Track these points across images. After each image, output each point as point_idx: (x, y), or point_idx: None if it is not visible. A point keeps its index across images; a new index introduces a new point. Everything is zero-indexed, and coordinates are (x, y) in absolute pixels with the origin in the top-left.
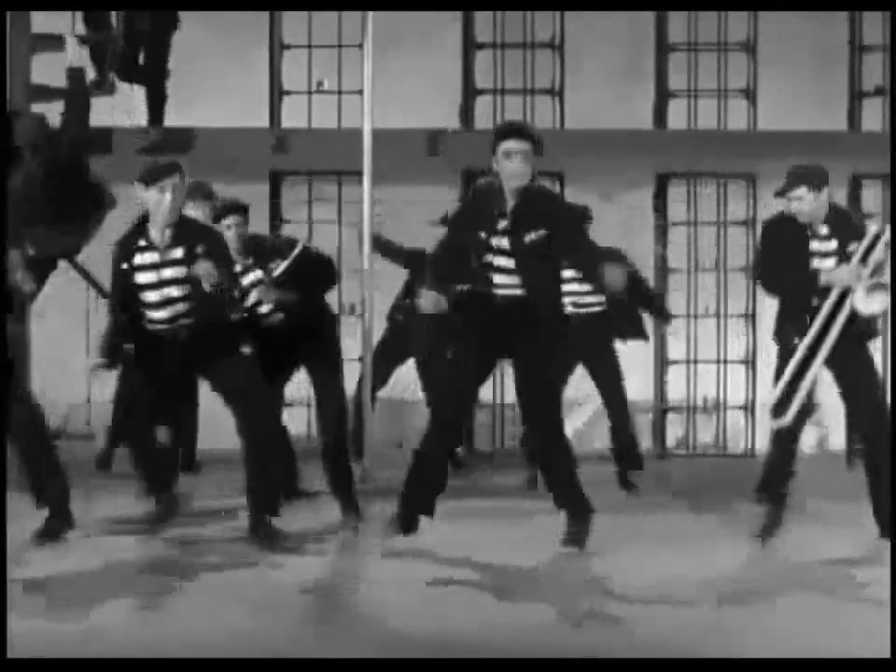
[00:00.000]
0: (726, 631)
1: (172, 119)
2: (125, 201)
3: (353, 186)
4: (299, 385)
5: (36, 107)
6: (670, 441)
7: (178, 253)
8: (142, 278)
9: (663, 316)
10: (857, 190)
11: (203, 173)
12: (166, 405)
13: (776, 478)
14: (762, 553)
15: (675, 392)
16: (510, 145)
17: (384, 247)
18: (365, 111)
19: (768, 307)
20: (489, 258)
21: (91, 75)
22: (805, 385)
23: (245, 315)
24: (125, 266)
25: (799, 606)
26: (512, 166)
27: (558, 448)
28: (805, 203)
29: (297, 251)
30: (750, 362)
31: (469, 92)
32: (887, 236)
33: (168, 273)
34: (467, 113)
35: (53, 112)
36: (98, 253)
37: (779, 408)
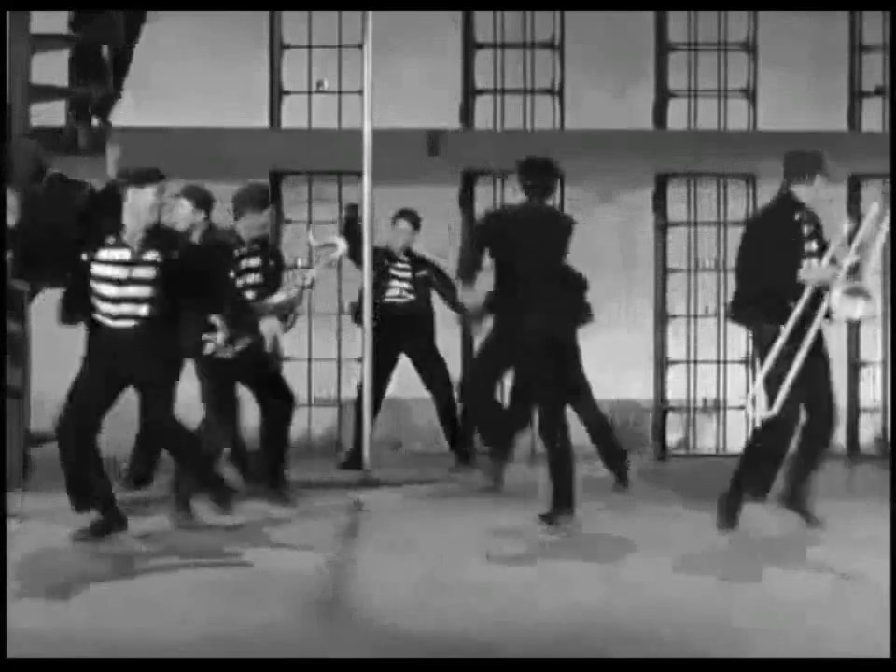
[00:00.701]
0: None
1: (172, 119)
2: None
3: (353, 186)
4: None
5: (36, 107)
6: (671, 441)
7: (151, 256)
8: (104, 272)
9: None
10: (857, 190)
11: (203, 173)
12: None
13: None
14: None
15: (675, 392)
16: None
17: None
18: (365, 111)
19: None
20: None
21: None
22: (789, 379)
23: None
24: (84, 257)
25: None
26: None
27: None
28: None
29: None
30: (750, 362)
31: (469, 92)
32: (859, 236)
33: (138, 272)
34: (467, 113)
35: (53, 111)
36: None
37: (755, 402)
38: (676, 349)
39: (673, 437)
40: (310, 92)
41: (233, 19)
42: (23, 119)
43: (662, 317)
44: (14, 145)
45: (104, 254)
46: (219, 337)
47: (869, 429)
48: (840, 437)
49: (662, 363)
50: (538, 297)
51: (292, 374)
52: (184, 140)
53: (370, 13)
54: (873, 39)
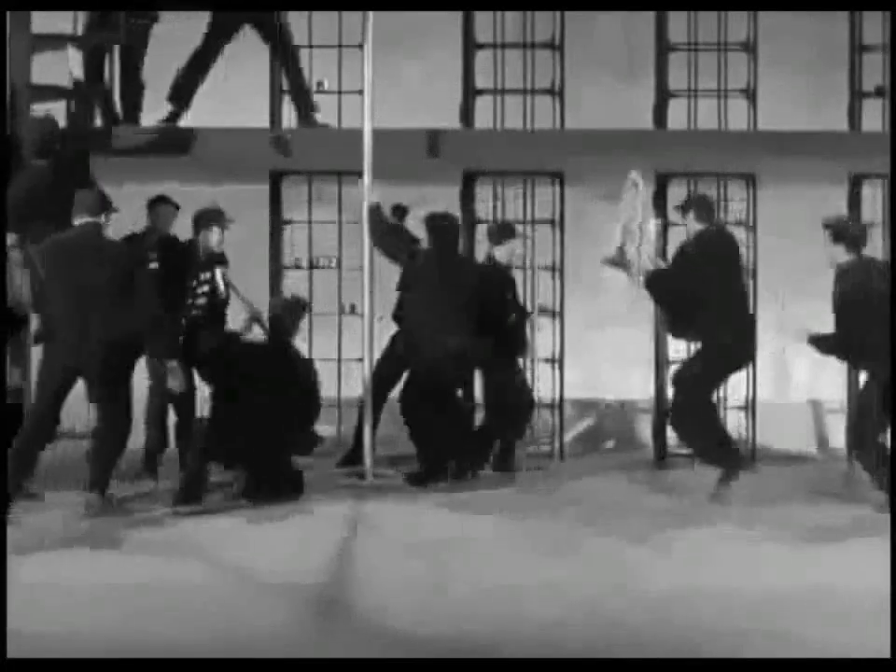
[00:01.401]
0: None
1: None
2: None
3: (353, 186)
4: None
5: (36, 107)
6: (671, 441)
7: None
8: None
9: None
10: (857, 190)
11: (204, 173)
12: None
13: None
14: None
15: None
16: None
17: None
18: (365, 111)
19: (768, 307)
20: None
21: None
22: None
23: None
24: None
25: None
26: None
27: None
28: None
29: None
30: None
31: (470, 92)
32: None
33: None
34: (467, 113)
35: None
36: None
37: None
38: (676, 349)
39: (673, 436)
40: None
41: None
42: (23, 118)
43: (662, 317)
44: (30, 120)
45: None
46: None
47: None
48: (840, 437)
49: (662, 363)
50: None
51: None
52: (185, 140)
53: (370, 13)
54: (873, 39)
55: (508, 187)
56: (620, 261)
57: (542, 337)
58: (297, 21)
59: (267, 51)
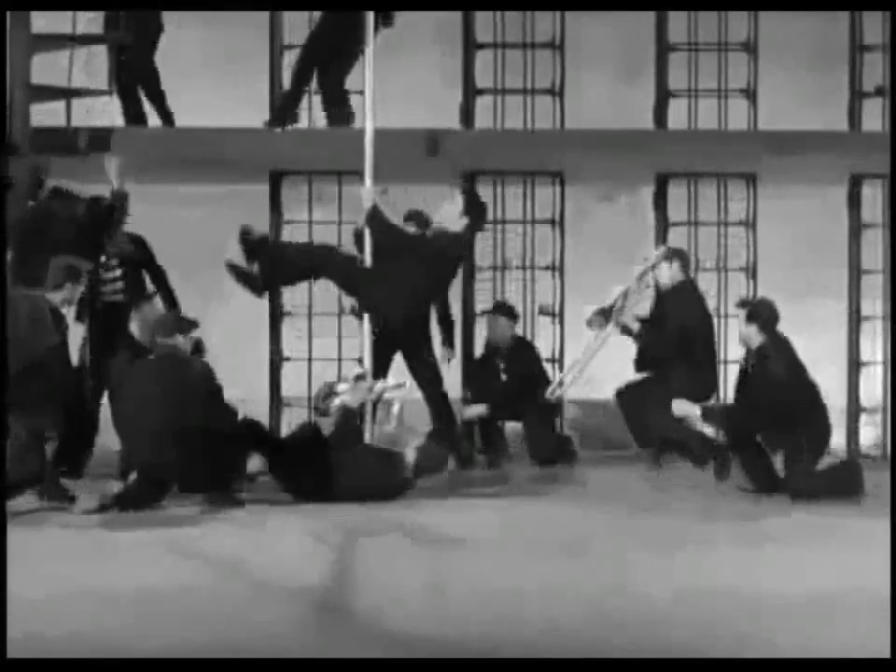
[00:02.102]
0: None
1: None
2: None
3: (353, 185)
4: None
5: (36, 107)
6: None
7: None
8: None
9: None
10: (857, 190)
11: (204, 173)
12: None
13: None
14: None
15: None
16: None
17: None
18: (366, 111)
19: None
20: None
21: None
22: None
23: None
24: None
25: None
26: None
27: None
28: None
29: None
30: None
31: (470, 92)
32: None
33: None
34: (467, 113)
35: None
36: None
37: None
38: None
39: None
40: (310, 92)
41: (234, 19)
42: (23, 118)
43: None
44: (15, 161)
45: None
46: None
47: (869, 429)
48: (840, 437)
49: None
50: None
51: (293, 374)
52: (184, 140)
53: (370, 13)
54: (873, 39)
55: (508, 187)
56: (600, 324)
57: (543, 337)
58: (297, 22)
59: (267, 51)
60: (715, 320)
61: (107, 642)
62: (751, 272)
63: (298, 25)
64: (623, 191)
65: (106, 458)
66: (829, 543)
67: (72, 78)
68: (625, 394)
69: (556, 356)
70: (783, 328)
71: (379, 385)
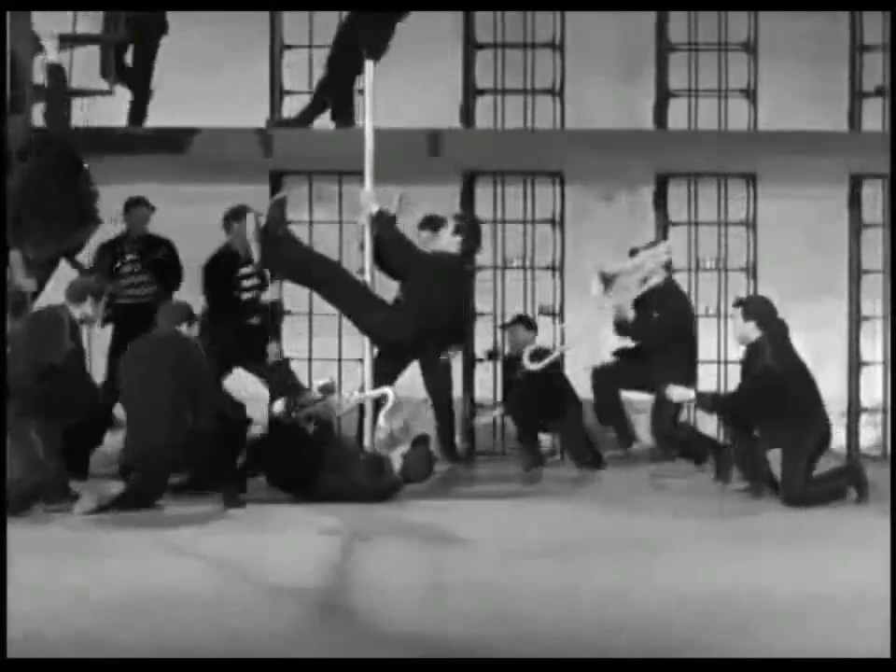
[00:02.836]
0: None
1: (172, 119)
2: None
3: (354, 185)
4: None
5: (37, 107)
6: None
7: None
8: None
9: None
10: (857, 190)
11: (204, 173)
12: None
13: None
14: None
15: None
16: None
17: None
18: (367, 111)
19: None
20: None
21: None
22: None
23: None
24: None
25: None
26: None
27: None
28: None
29: None
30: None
31: (470, 92)
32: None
33: None
34: (467, 113)
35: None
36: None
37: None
38: None
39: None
40: (310, 92)
41: (233, 19)
42: (24, 118)
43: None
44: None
45: None
46: None
47: (869, 429)
48: (840, 437)
49: None
50: None
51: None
52: (185, 140)
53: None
54: (873, 39)
55: (508, 187)
56: (598, 286)
57: (543, 337)
58: (297, 22)
59: (267, 51)
60: (715, 320)
61: (107, 642)
62: (751, 272)
63: (298, 25)
64: (624, 191)
65: (106, 458)
66: (828, 543)
67: (72, 78)
68: (600, 372)
69: None
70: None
71: (355, 396)
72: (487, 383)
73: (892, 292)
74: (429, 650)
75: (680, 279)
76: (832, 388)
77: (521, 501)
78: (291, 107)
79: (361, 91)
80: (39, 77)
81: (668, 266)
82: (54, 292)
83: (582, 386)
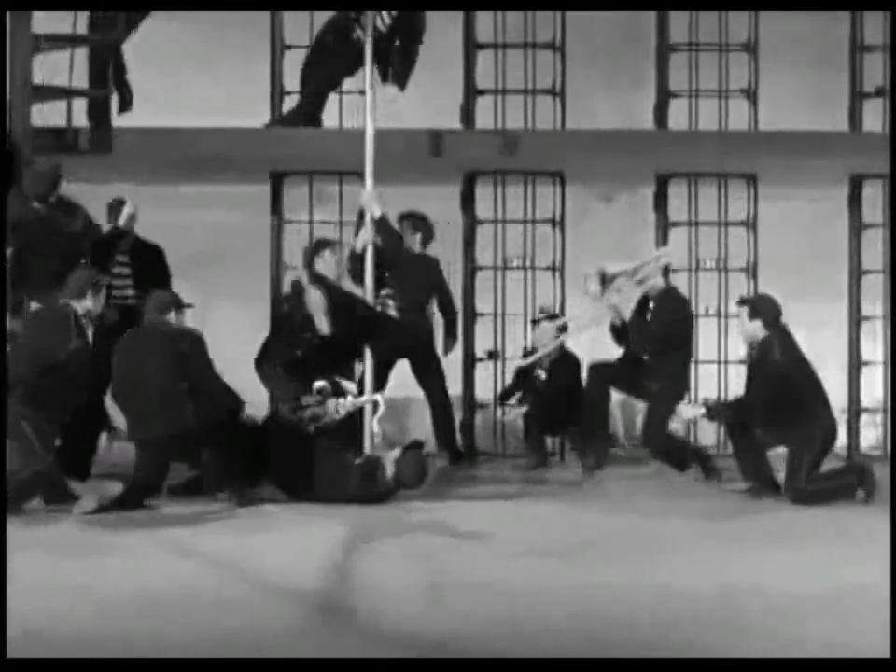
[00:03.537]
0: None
1: (172, 119)
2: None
3: (354, 185)
4: None
5: (37, 107)
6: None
7: None
8: None
9: None
10: (857, 191)
11: (204, 173)
12: None
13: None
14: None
15: None
16: None
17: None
18: (367, 111)
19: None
20: None
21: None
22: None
23: None
24: None
25: None
26: None
27: None
28: None
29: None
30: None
31: (471, 93)
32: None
33: None
34: (468, 113)
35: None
36: None
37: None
38: None
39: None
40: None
41: (234, 19)
42: (24, 118)
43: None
44: (34, 165)
45: None
46: None
47: (869, 429)
48: (841, 437)
49: None
50: None
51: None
52: (184, 140)
53: (370, 13)
54: (873, 39)
55: (508, 187)
56: (595, 289)
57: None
58: (297, 21)
59: (267, 51)
60: (715, 320)
61: (107, 642)
62: (752, 272)
63: (298, 25)
64: (624, 191)
65: (107, 458)
66: (829, 543)
67: (72, 78)
68: (596, 368)
69: None
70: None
71: (349, 401)
72: (487, 382)
73: (892, 292)
74: (429, 650)
75: (680, 279)
76: (832, 388)
77: (521, 501)
78: (291, 107)
79: (362, 92)
80: (39, 78)
81: (666, 271)
82: None
83: None
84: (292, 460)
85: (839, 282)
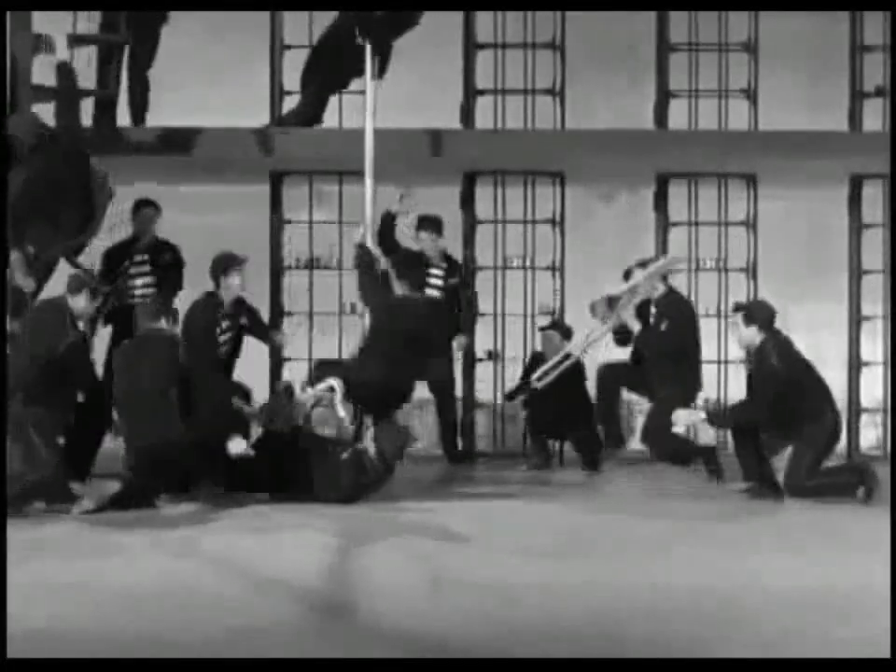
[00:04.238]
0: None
1: (172, 119)
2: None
3: (354, 185)
4: None
5: (37, 108)
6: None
7: None
8: None
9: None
10: (857, 190)
11: (204, 173)
12: None
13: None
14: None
15: None
16: None
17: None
18: (367, 111)
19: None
20: None
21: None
22: None
23: None
24: None
25: None
26: None
27: None
28: None
29: None
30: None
31: (470, 93)
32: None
33: None
34: (468, 113)
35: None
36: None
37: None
38: None
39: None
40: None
41: (233, 19)
42: (32, 115)
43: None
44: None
45: None
46: None
47: (869, 429)
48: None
49: None
50: None
51: (294, 374)
52: (185, 140)
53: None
54: (873, 39)
55: (508, 187)
56: (603, 313)
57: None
58: (297, 22)
59: (267, 51)
60: (715, 320)
61: (107, 642)
62: (751, 272)
63: (298, 25)
64: (624, 191)
65: (107, 458)
66: (829, 543)
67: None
68: (606, 370)
69: None
70: (783, 327)
71: (306, 394)
72: (487, 382)
73: (892, 292)
74: (429, 649)
75: (680, 279)
76: (832, 388)
77: (521, 502)
78: (292, 107)
79: (361, 92)
80: (39, 77)
81: (666, 277)
82: (54, 292)
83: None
84: (291, 462)
85: (839, 282)
